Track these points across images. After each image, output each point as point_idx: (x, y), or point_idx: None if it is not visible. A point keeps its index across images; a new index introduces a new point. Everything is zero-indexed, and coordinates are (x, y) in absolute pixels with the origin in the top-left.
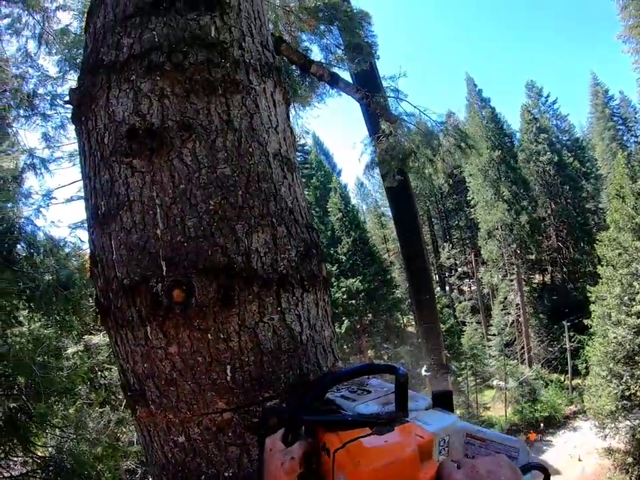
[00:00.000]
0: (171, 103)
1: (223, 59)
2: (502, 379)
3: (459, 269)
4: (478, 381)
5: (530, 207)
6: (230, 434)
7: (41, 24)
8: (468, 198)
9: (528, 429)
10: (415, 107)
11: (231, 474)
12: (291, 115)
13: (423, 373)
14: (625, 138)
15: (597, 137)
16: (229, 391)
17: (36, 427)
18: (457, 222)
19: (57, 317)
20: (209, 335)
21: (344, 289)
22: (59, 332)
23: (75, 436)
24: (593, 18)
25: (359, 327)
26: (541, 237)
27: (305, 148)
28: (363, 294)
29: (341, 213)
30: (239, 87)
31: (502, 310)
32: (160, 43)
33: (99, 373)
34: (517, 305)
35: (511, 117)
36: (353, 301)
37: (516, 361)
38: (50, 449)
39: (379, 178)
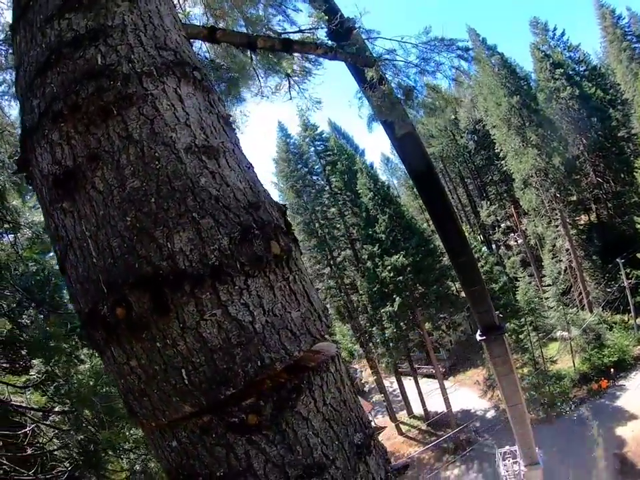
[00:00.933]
0: (77, 141)
1: (112, 81)
2: (564, 329)
3: (502, 225)
4: (540, 335)
5: (561, 147)
6: (213, 435)
7: None
8: (496, 151)
9: (598, 376)
10: (390, 40)
11: (222, 473)
12: (294, 90)
13: (478, 337)
14: None
15: (614, 60)
16: (189, 394)
17: (107, 454)
18: (490, 177)
19: None
20: (157, 343)
21: (389, 266)
22: None
23: (146, 455)
24: None
25: (411, 301)
26: (578, 176)
27: (324, 135)
28: (409, 268)
29: (371, 192)
30: (132, 99)
31: (552, 258)
32: (58, 93)
33: None
34: (567, 250)
35: (521, 60)
36: (401, 277)
37: (575, 308)
38: (125, 472)
39: None
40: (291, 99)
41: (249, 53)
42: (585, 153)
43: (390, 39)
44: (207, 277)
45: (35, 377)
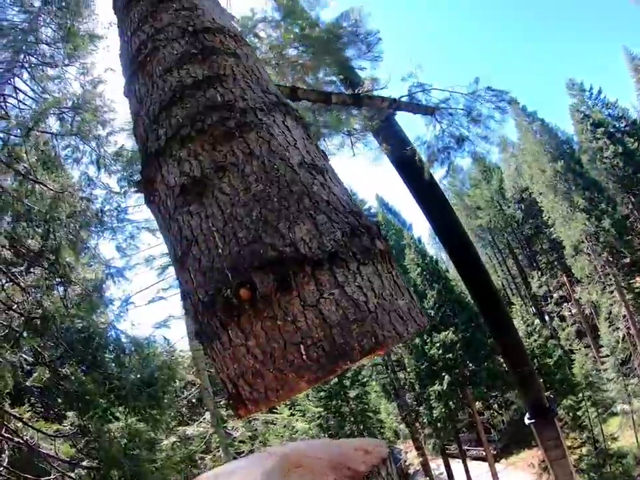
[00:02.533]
0: (204, 157)
1: (232, 112)
2: (625, 401)
3: (554, 295)
4: (599, 410)
5: (609, 208)
6: None
7: (97, 150)
8: (544, 218)
9: None
10: (442, 91)
11: None
12: (356, 148)
13: (526, 421)
14: None
15: None
16: (307, 369)
17: None
18: (539, 246)
19: (143, 412)
20: (278, 321)
21: (438, 343)
22: (151, 425)
23: None
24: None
25: (460, 379)
26: (630, 236)
27: (372, 211)
28: (458, 345)
29: (419, 268)
30: (250, 126)
31: (609, 326)
32: (183, 122)
33: (194, 462)
34: (624, 316)
35: (561, 123)
36: (450, 354)
37: (637, 378)
38: None
39: None
40: (354, 155)
41: (313, 115)
42: (636, 211)
43: (442, 90)
44: (325, 260)
45: (67, 427)
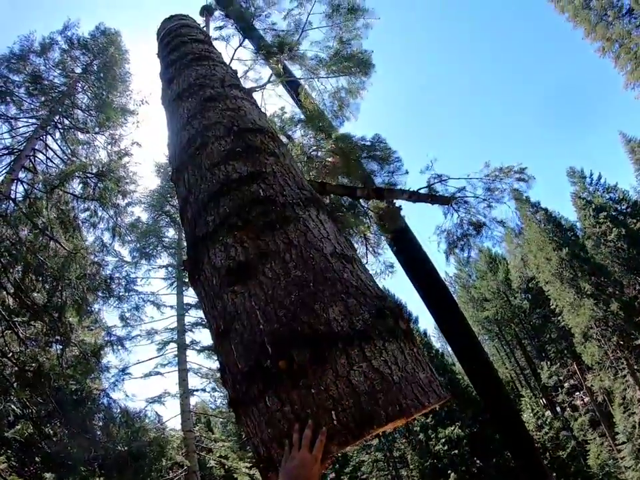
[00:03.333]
0: (249, 244)
1: (273, 206)
2: None
3: (565, 384)
4: None
5: (617, 292)
6: None
7: (114, 218)
8: (552, 307)
9: None
10: (458, 179)
11: None
12: (370, 254)
13: None
14: None
15: None
16: (338, 433)
17: None
18: (548, 336)
19: None
20: (312, 389)
21: (443, 439)
22: None
23: None
24: (592, 83)
25: (467, 476)
26: (639, 318)
27: None
28: (465, 440)
29: None
30: (289, 219)
31: (624, 412)
32: (230, 212)
33: None
34: (639, 399)
35: (563, 210)
36: (456, 450)
37: None
38: None
39: None
40: (367, 262)
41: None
42: None
43: (458, 178)
44: (355, 338)
45: None
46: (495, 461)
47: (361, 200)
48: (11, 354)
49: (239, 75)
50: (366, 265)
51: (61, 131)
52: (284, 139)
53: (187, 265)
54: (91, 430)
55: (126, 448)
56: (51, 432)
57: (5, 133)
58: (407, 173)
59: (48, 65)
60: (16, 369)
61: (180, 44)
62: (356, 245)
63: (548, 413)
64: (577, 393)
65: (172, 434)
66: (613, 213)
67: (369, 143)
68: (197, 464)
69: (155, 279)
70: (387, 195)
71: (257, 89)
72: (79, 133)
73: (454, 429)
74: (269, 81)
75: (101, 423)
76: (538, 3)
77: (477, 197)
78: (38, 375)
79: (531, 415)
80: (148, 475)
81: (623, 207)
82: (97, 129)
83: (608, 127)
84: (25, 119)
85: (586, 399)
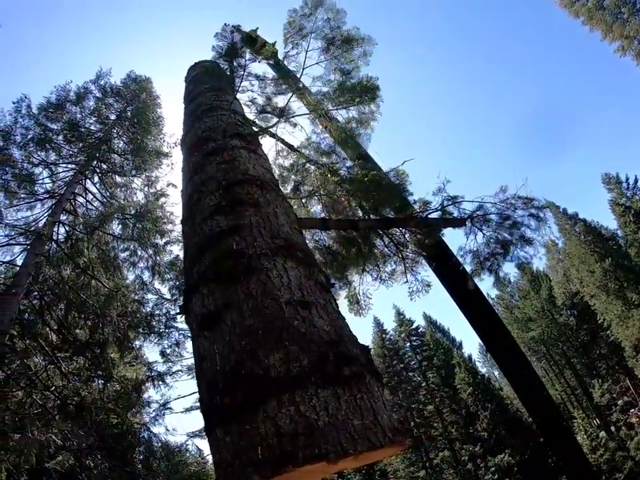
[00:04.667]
0: (218, 295)
1: (242, 258)
2: None
3: (619, 402)
4: None
5: None
6: None
7: (153, 257)
8: (599, 321)
9: None
10: (472, 202)
11: None
12: (409, 273)
13: None
14: None
15: None
16: (260, 466)
17: None
18: (597, 352)
19: None
20: (246, 425)
21: (493, 468)
22: None
23: None
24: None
25: None
26: None
27: (420, 330)
28: (515, 468)
29: (471, 387)
30: (253, 271)
31: None
32: (208, 265)
33: None
34: None
35: (602, 219)
36: (507, 479)
37: None
38: None
39: None
40: (407, 281)
41: (365, 247)
42: None
43: (471, 201)
44: (288, 384)
45: None
46: None
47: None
48: (53, 387)
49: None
50: (404, 284)
51: (99, 174)
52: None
53: (181, 310)
54: (131, 463)
55: None
56: (92, 464)
57: (46, 178)
58: (414, 202)
59: (84, 112)
60: (58, 402)
61: (197, 95)
62: (393, 265)
63: (602, 433)
64: (632, 410)
65: (212, 468)
66: None
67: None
68: None
69: None
70: (392, 223)
71: (263, 134)
72: (116, 176)
73: (504, 457)
74: (279, 121)
75: (141, 457)
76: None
77: (499, 214)
78: (80, 409)
79: (585, 436)
80: None
81: None
82: (133, 172)
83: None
84: (64, 165)
85: None
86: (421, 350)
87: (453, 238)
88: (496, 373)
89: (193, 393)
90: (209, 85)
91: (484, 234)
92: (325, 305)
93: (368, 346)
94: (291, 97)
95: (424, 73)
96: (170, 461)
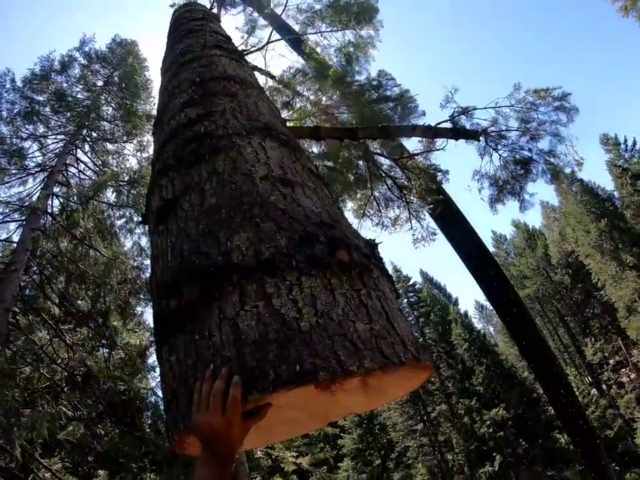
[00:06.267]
0: (177, 181)
1: (209, 139)
2: None
3: (610, 361)
4: None
5: None
6: None
7: None
8: (593, 281)
9: None
10: (486, 109)
11: None
12: (413, 219)
13: None
14: None
15: None
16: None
17: None
18: (591, 311)
19: None
20: (196, 335)
21: (488, 421)
22: None
23: None
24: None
25: (513, 459)
26: None
27: (416, 287)
28: (510, 422)
29: (467, 343)
30: (221, 149)
31: None
32: (170, 155)
33: None
34: None
35: (600, 179)
36: (501, 432)
37: None
38: None
39: None
40: (411, 228)
41: (370, 190)
42: None
43: (485, 108)
44: (255, 269)
45: None
46: (541, 443)
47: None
48: (60, 360)
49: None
50: (410, 231)
51: (90, 143)
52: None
53: (143, 218)
54: (140, 428)
55: None
56: (102, 432)
57: (36, 151)
58: (424, 114)
59: (70, 81)
60: (65, 373)
61: (179, 25)
62: (397, 211)
63: (594, 391)
64: (623, 370)
65: None
66: None
67: (375, 82)
68: (244, 455)
69: None
70: (394, 132)
71: (252, 51)
72: (107, 143)
73: (499, 411)
74: (268, 41)
75: (149, 421)
76: None
77: (517, 130)
78: (87, 379)
79: (577, 393)
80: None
81: None
82: (124, 138)
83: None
84: (53, 136)
85: (632, 376)
86: (418, 306)
87: (463, 170)
88: (491, 329)
89: None
90: (192, 17)
91: (500, 155)
92: (316, 188)
93: (374, 240)
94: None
95: None
96: None
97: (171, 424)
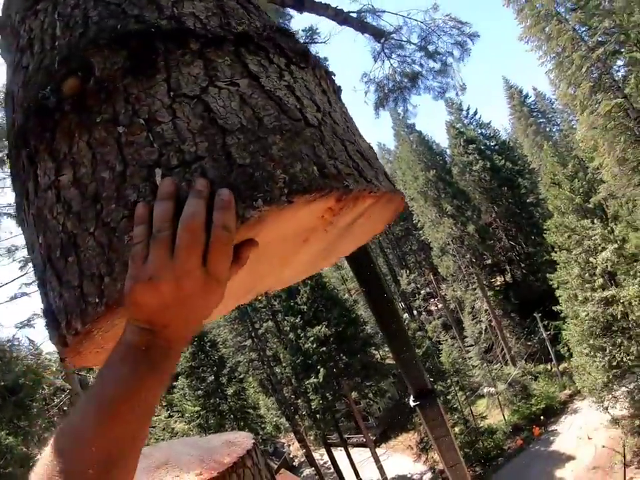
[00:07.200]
0: None
1: None
2: (490, 384)
3: (422, 291)
4: (467, 394)
5: (475, 216)
6: None
7: None
8: (414, 221)
9: (530, 425)
10: (397, 15)
11: None
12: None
13: (411, 403)
14: (547, 129)
15: (521, 135)
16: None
17: None
18: (409, 247)
19: (10, 424)
20: (119, 126)
21: (312, 337)
22: (21, 439)
23: None
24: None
25: (335, 371)
26: (492, 241)
27: None
28: (332, 339)
29: None
30: None
31: (472, 319)
32: None
33: None
34: (486, 310)
35: (437, 137)
36: (324, 348)
37: (499, 364)
38: None
39: None
40: None
41: None
42: (497, 219)
43: (395, 13)
44: (226, 39)
45: None
46: (359, 357)
47: None
48: None
49: None
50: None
51: None
52: None
53: None
54: None
55: (1, 383)
56: None
57: None
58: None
59: None
60: None
61: None
62: None
63: (406, 315)
64: (432, 300)
65: (48, 358)
66: (482, 147)
67: None
68: (78, 384)
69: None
70: (308, 5)
71: None
72: None
73: (321, 328)
74: None
75: None
76: None
77: (415, 44)
78: None
79: None
80: (29, 407)
81: (492, 144)
82: None
83: (493, 67)
84: None
85: (439, 306)
86: None
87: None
88: None
89: (16, 278)
90: None
91: (391, 64)
92: None
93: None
94: None
95: None
96: (2, 359)
97: (68, 303)
